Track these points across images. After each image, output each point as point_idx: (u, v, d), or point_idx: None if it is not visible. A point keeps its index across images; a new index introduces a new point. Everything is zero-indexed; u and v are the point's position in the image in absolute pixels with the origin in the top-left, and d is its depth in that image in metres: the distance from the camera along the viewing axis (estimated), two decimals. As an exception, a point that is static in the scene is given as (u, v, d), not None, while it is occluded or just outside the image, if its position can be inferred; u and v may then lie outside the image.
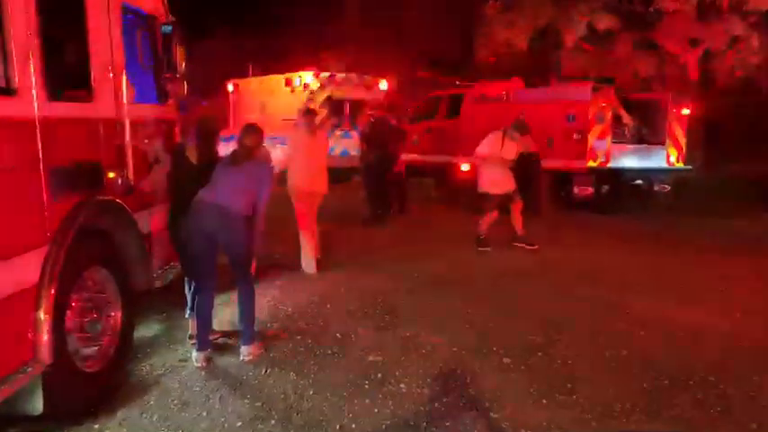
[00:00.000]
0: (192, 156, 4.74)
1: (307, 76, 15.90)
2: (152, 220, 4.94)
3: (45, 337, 3.29)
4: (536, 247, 8.36)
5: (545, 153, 10.63)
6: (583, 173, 10.56)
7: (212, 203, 4.42)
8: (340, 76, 16.49)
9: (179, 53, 5.08)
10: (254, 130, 4.78)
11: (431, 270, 7.17)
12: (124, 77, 4.30)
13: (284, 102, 16.54)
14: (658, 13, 15.63)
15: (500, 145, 8.33)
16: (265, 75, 18.15)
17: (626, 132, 11.42)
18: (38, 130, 3.30)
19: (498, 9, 16.18)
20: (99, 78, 4.02)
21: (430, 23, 19.74)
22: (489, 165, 8.32)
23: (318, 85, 15.94)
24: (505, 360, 4.62)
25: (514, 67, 15.83)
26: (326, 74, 16.27)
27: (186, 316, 5.09)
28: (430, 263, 7.54)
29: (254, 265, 4.69)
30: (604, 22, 16.59)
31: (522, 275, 7.03)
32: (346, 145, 16.22)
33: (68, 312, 3.67)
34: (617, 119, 11.05)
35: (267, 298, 6.09)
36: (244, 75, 19.58)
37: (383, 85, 17.33)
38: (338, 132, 16.29)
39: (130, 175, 4.38)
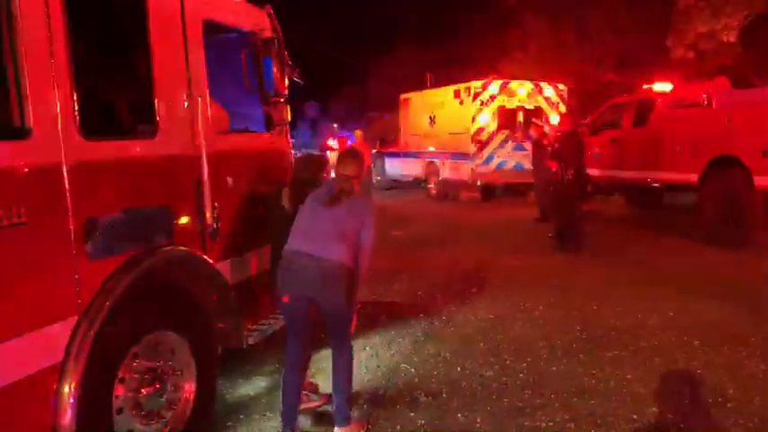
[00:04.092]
0: (286, 199, 4.02)
1: (476, 87, 14.91)
2: (248, 267, 4.31)
3: (65, 430, 2.71)
4: None
5: (759, 168, 8.56)
6: (812, 194, 8.29)
7: (310, 255, 3.52)
8: (513, 83, 15.25)
9: (282, 73, 4.41)
10: (350, 156, 3.83)
11: (604, 322, 5.77)
12: (203, 105, 3.68)
13: (453, 114, 15.76)
14: None
15: None
16: (439, 86, 17.50)
17: None
18: (65, 179, 2.73)
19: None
20: (166, 109, 3.42)
21: (615, 20, 17.64)
22: None
23: (489, 95, 14.87)
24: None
25: (718, 66, 13.36)
26: (498, 82, 15.13)
27: None
28: (605, 311, 6.11)
29: (354, 322, 3.80)
30: None
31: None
32: (519, 158, 14.95)
33: (117, 388, 3.10)
34: None
35: (392, 351, 5.24)
36: (422, 87, 19.12)
37: (562, 90, 15.76)
38: (510, 145, 15.11)
39: (211, 219, 3.75)
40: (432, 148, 16.66)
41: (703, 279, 7.26)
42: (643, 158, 11.14)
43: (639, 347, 5.10)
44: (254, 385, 4.63)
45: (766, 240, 8.55)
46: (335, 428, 3.75)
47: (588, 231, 9.57)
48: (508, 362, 4.90)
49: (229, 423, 4.04)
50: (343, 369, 3.75)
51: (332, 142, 19.08)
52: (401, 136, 18.71)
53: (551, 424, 3.89)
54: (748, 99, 9.22)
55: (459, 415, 4.04)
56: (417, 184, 18.20)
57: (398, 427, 3.91)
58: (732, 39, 13.36)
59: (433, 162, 16.70)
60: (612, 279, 7.39)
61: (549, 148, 10.13)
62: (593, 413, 4.00)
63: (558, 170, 9.25)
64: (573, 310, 6.15)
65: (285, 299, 3.67)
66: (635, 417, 3.93)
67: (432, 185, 16.93)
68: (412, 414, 4.08)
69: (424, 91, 18.26)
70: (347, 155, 3.89)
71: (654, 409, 4.03)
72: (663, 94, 11.24)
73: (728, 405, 4.06)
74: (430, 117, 16.92)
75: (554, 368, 4.77)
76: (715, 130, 9.30)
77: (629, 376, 4.55)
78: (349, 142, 19.08)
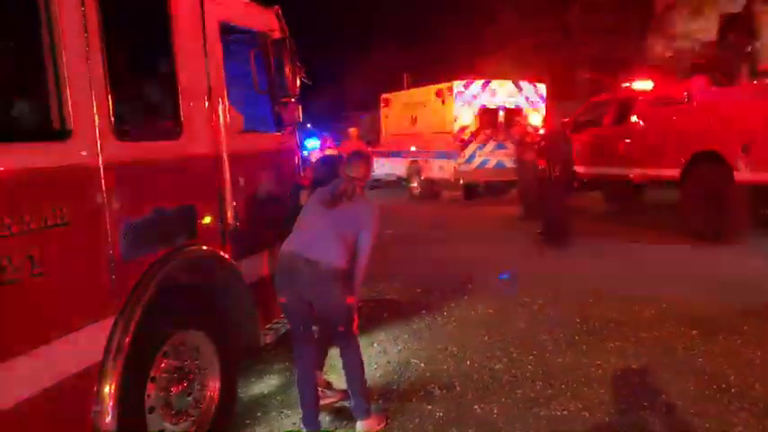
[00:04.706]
0: (305, 199, 4.07)
1: (458, 86, 15.06)
2: (264, 266, 4.35)
3: (106, 430, 2.73)
4: None
5: (740, 163, 8.83)
6: (791, 187, 8.57)
7: (305, 257, 3.55)
8: (494, 83, 15.44)
9: (293, 73, 4.45)
10: (361, 158, 3.85)
11: (602, 315, 5.90)
12: (222, 106, 3.72)
13: (435, 114, 15.89)
14: None
15: None
16: (419, 86, 17.63)
17: None
18: (102, 179, 2.75)
19: (680, -3, 14.03)
20: (190, 110, 3.46)
21: (594, 19, 17.94)
22: None
23: (471, 94, 15.03)
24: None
25: (691, 64, 13.73)
26: (479, 82, 15.31)
27: None
28: (600, 304, 6.25)
29: (355, 321, 3.87)
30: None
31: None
32: (501, 156, 15.17)
33: (149, 387, 3.12)
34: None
35: (399, 347, 5.32)
36: (400, 87, 19.23)
37: (542, 90, 16.00)
38: (492, 143, 15.29)
39: (231, 218, 3.79)
40: (414, 148, 16.77)
41: (689, 272, 7.47)
42: (625, 155, 11.38)
43: (640, 338, 5.26)
44: (267, 384, 4.67)
45: (747, 234, 8.84)
46: (357, 423, 3.82)
47: (574, 227, 9.76)
48: (515, 355, 5.01)
49: (248, 421, 4.08)
50: (353, 367, 3.81)
51: (313, 142, 19.02)
52: (383, 135, 18.79)
53: (566, 413, 4.00)
54: (728, 96, 9.50)
55: (476, 407, 4.13)
56: (399, 183, 18.29)
57: (417, 420, 3.99)
58: (710, 38, 13.69)
59: (415, 161, 16.82)
60: (603, 273, 7.56)
61: (536, 147, 10.29)
62: (605, 402, 4.13)
63: (546, 168, 9.42)
64: (570, 304, 6.29)
65: (282, 300, 3.73)
66: (645, 404, 4.07)
67: (415, 184, 17.04)
68: (429, 407, 4.16)
69: (405, 90, 18.37)
70: (355, 157, 3.89)
71: (663, 396, 4.16)
72: (643, 92, 11.49)
73: (732, 391, 4.22)
74: (412, 117, 17.03)
75: (560, 360, 4.89)
76: (696, 127, 9.55)
77: (633, 366, 4.70)
78: (328, 142, 19.04)
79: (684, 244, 9.11)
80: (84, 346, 2.68)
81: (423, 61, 26.94)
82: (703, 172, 9.52)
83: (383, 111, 18.86)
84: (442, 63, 24.43)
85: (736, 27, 13.14)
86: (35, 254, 2.40)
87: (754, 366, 4.64)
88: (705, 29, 13.66)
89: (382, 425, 3.89)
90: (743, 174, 8.80)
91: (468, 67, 20.50)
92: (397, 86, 19.43)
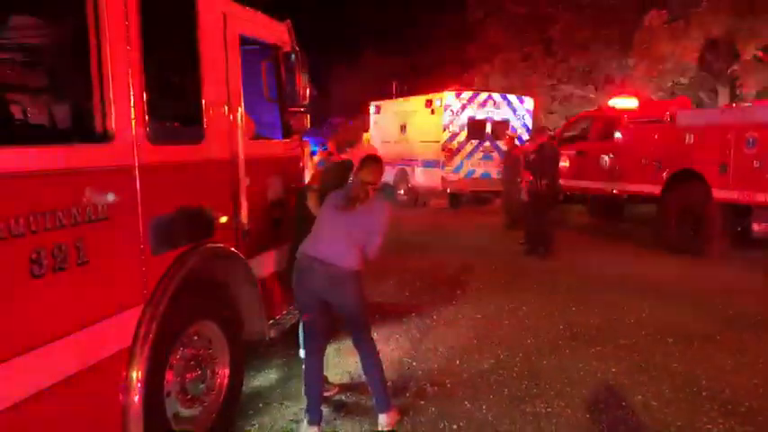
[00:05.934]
0: (312, 202, 4.32)
1: (447, 97, 15.39)
2: (270, 264, 4.60)
3: (134, 411, 2.97)
4: None
5: (717, 182, 9.25)
6: (764, 207, 9.01)
7: (319, 260, 3.78)
8: (483, 95, 15.81)
9: (303, 85, 4.72)
10: (374, 163, 4.05)
11: (584, 321, 6.23)
12: (240, 113, 3.98)
13: (425, 123, 16.20)
14: None
15: None
16: (408, 95, 17.93)
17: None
18: (137, 180, 2.99)
19: (664, 20, 14.49)
20: (212, 117, 3.71)
21: (581, 36, 18.40)
22: None
23: (460, 105, 15.38)
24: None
25: (674, 84, 14.24)
26: (468, 93, 15.66)
27: (302, 356, 4.68)
28: (583, 312, 6.59)
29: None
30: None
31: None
32: (487, 167, 15.54)
33: (168, 373, 3.35)
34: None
35: (391, 346, 5.58)
36: (388, 95, 19.52)
37: (529, 103, 16.41)
38: (479, 154, 15.65)
39: (245, 219, 4.05)
40: (402, 156, 17.06)
41: (668, 284, 7.83)
42: (608, 170, 11.78)
43: (620, 344, 5.58)
44: (266, 377, 4.90)
45: (723, 249, 9.25)
46: (380, 415, 4.01)
47: (558, 239, 10.10)
48: (502, 356, 5.30)
49: (250, 412, 4.31)
50: (372, 364, 4.02)
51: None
52: (372, 142, 19.05)
53: (550, 410, 4.29)
54: (708, 118, 9.93)
55: (467, 403, 4.41)
56: (384, 189, 18.54)
57: (411, 413, 4.25)
58: (692, 60, 14.17)
59: (403, 169, 17.10)
60: (585, 283, 7.90)
61: (525, 159, 10.61)
62: (586, 401, 4.43)
63: (534, 180, 9.75)
64: (554, 311, 6.60)
65: (298, 296, 3.99)
66: (624, 404, 4.38)
67: (401, 192, 17.33)
68: (422, 402, 4.43)
69: (395, 99, 18.66)
70: (368, 161, 4.09)
71: (639, 397, 4.48)
72: (628, 109, 11.92)
73: (703, 394, 4.55)
74: (401, 125, 17.31)
75: (545, 362, 5.19)
76: (677, 146, 9.97)
77: (613, 369, 5.01)
78: (315, 148, 19.25)
79: (663, 257, 9.51)
80: (117, 331, 2.91)
81: (409, 69, 27.35)
82: (683, 189, 9.95)
83: (373, 118, 19.14)
84: (430, 72, 24.84)
85: (718, 50, 13.67)
86: (80, 245, 2.63)
87: (724, 372, 4.98)
88: (688, 50, 14.15)
89: (400, 415, 4.12)
90: (720, 192, 9.24)
91: (456, 78, 20.89)
92: (383, 93, 19.73)
